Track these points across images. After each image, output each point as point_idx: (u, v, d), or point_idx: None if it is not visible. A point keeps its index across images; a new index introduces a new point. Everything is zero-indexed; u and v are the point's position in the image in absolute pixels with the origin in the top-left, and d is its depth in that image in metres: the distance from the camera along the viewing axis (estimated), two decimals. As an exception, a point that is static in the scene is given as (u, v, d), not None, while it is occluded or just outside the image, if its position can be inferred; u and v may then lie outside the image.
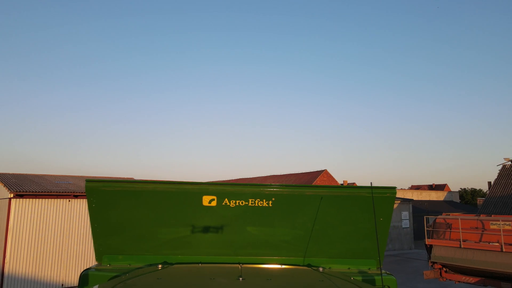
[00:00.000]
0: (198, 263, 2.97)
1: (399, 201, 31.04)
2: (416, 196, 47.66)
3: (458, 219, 12.29)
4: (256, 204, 2.92)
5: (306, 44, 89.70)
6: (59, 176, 23.65)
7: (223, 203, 2.91)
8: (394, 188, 2.91)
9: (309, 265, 3.05)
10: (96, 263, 3.11)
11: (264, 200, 2.91)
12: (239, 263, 2.97)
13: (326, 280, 2.44)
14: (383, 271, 2.94)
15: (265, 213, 2.96)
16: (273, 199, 2.91)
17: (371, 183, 2.44)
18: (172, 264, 2.94)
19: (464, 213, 20.49)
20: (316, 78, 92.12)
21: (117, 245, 3.02)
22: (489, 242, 11.34)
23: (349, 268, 3.05)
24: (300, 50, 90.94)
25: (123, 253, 3.04)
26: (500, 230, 11.09)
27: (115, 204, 2.91)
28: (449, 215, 13.25)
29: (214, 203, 2.91)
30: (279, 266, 2.99)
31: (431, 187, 74.54)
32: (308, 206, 2.95)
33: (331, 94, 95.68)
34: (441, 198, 50.78)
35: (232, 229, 3.00)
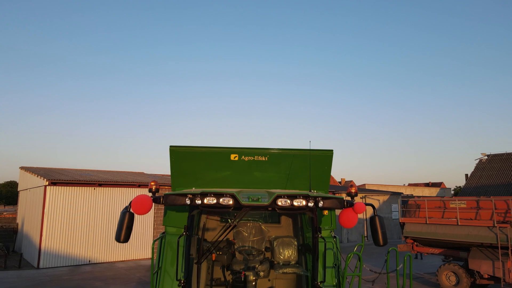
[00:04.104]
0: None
1: (389, 194, 33.28)
2: (410, 191, 49.90)
3: (425, 200, 14.80)
4: (259, 159, 5.42)
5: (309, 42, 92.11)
6: (79, 170, 26.22)
7: (242, 158, 5.39)
8: (331, 150, 5.40)
9: None
10: None
11: (263, 157, 5.40)
12: None
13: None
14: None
15: (264, 164, 5.45)
16: (268, 156, 5.41)
17: (309, 141, 4.83)
18: None
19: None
20: (317, 79, 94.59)
21: (183, 182, 5.51)
22: (448, 218, 13.85)
23: None
24: (303, 56, 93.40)
25: (186, 187, 5.54)
26: (457, 208, 13.60)
27: (184, 159, 5.42)
28: (419, 197, 15.76)
29: (236, 158, 5.39)
30: None
31: (428, 185, 77.11)
32: (286, 160, 5.43)
33: (331, 95, 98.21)
34: (434, 194, 53.18)
35: (245, 173, 5.49)
